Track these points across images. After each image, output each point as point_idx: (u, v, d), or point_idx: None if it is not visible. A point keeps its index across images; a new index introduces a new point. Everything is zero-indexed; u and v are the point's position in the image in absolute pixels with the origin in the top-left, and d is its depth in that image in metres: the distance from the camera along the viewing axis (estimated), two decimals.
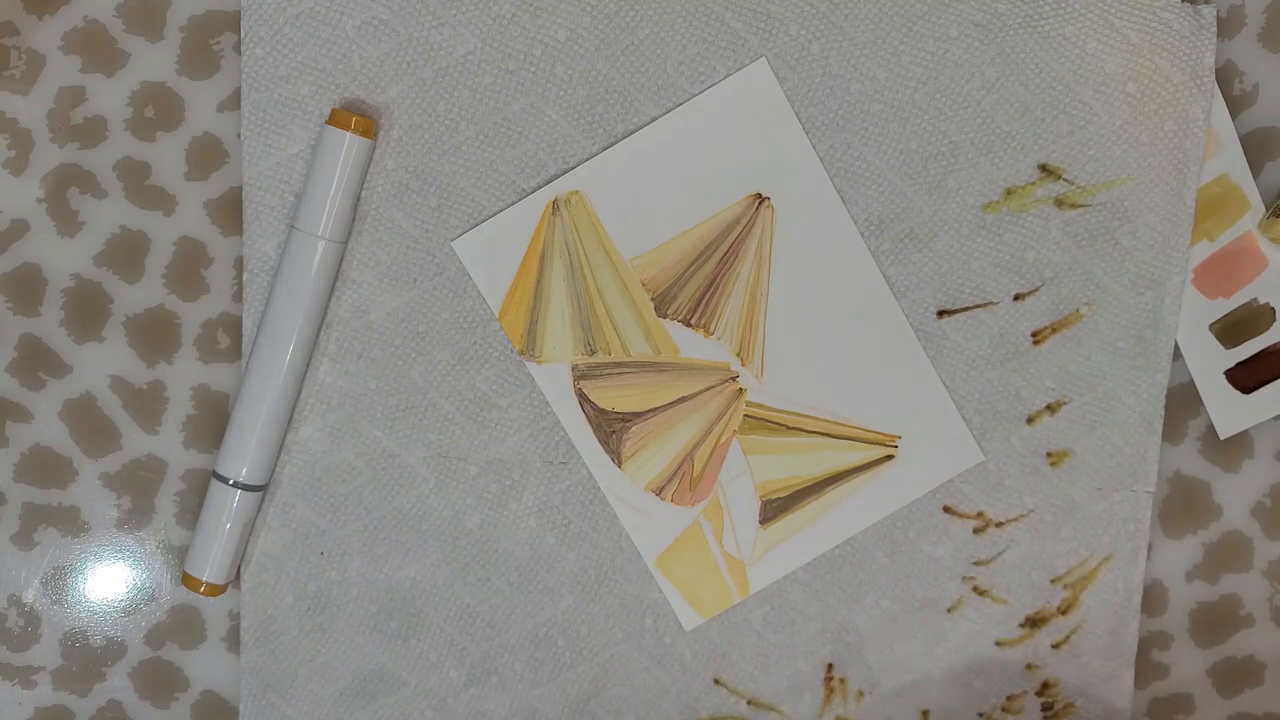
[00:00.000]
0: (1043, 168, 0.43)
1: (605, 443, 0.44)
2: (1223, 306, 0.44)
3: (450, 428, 0.44)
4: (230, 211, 0.44)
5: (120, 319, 0.44)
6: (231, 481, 0.42)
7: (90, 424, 0.44)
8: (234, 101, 0.43)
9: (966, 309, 0.43)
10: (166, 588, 0.45)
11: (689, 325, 0.43)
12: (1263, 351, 0.44)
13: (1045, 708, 0.45)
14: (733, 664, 0.45)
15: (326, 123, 0.41)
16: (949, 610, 0.45)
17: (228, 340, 0.44)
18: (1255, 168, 0.44)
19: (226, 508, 0.42)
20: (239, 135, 0.43)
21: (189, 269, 0.44)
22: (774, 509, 0.44)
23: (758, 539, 0.44)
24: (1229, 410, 0.44)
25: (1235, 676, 0.46)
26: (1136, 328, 0.43)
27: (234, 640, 0.45)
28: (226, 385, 0.44)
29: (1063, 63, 0.42)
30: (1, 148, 0.43)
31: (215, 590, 0.43)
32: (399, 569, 0.44)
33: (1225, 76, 0.43)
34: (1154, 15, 0.42)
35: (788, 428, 0.44)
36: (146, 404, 0.44)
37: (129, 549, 0.45)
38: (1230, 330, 0.44)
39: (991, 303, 0.43)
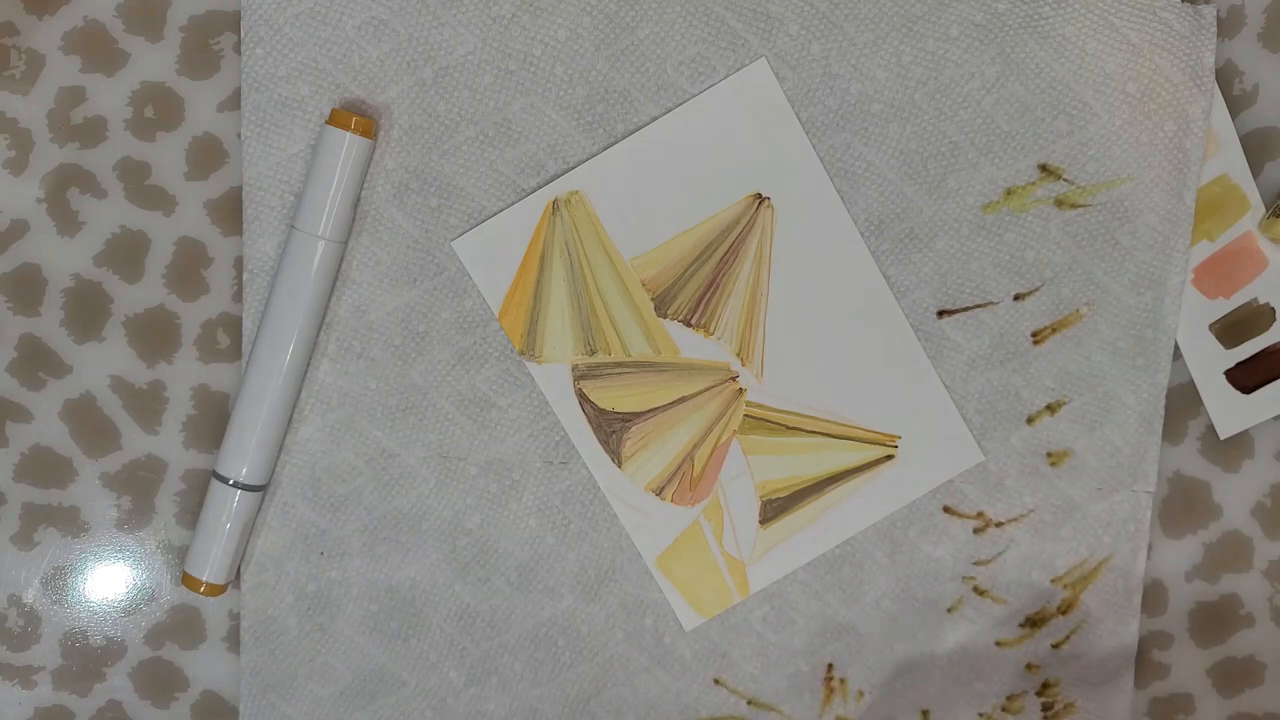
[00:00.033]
0: (1043, 168, 0.43)
1: (605, 443, 0.44)
2: (1223, 306, 0.44)
3: (450, 428, 0.44)
4: (230, 211, 0.44)
5: (120, 319, 0.44)
6: (231, 481, 0.42)
7: (90, 424, 0.44)
8: (234, 101, 0.43)
9: (966, 309, 0.43)
10: (166, 588, 0.45)
11: (689, 325, 0.43)
12: (1263, 351, 0.44)
13: (1045, 708, 0.45)
14: (733, 664, 0.45)
15: (326, 123, 0.41)
16: (949, 610, 0.45)
17: (228, 340, 0.44)
18: (1255, 168, 0.44)
19: (226, 508, 0.42)
20: (239, 135, 0.43)
21: (189, 269, 0.44)
22: (774, 509, 0.44)
23: (758, 539, 0.44)
24: (1229, 410, 0.44)
25: (1235, 676, 0.46)
26: (1136, 328, 0.43)
27: (234, 640, 0.45)
28: (226, 385, 0.44)
29: (1063, 63, 0.42)
30: (1, 148, 0.43)
31: (215, 590, 0.43)
32: (399, 569, 0.44)
33: (1225, 76, 0.43)
34: (1154, 15, 0.42)
35: (788, 428, 0.44)
36: (146, 404, 0.44)
37: (129, 549, 0.45)
38: (1230, 330, 0.44)
39: (991, 303, 0.43)
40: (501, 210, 0.43)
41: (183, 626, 0.45)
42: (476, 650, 0.45)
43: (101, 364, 0.44)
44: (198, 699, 0.45)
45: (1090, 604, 0.45)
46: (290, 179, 0.43)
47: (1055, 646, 0.45)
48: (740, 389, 0.44)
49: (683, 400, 0.44)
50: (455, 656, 0.45)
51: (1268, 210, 0.43)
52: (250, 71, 0.42)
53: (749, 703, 0.45)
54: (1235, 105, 0.43)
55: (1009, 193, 0.43)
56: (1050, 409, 0.44)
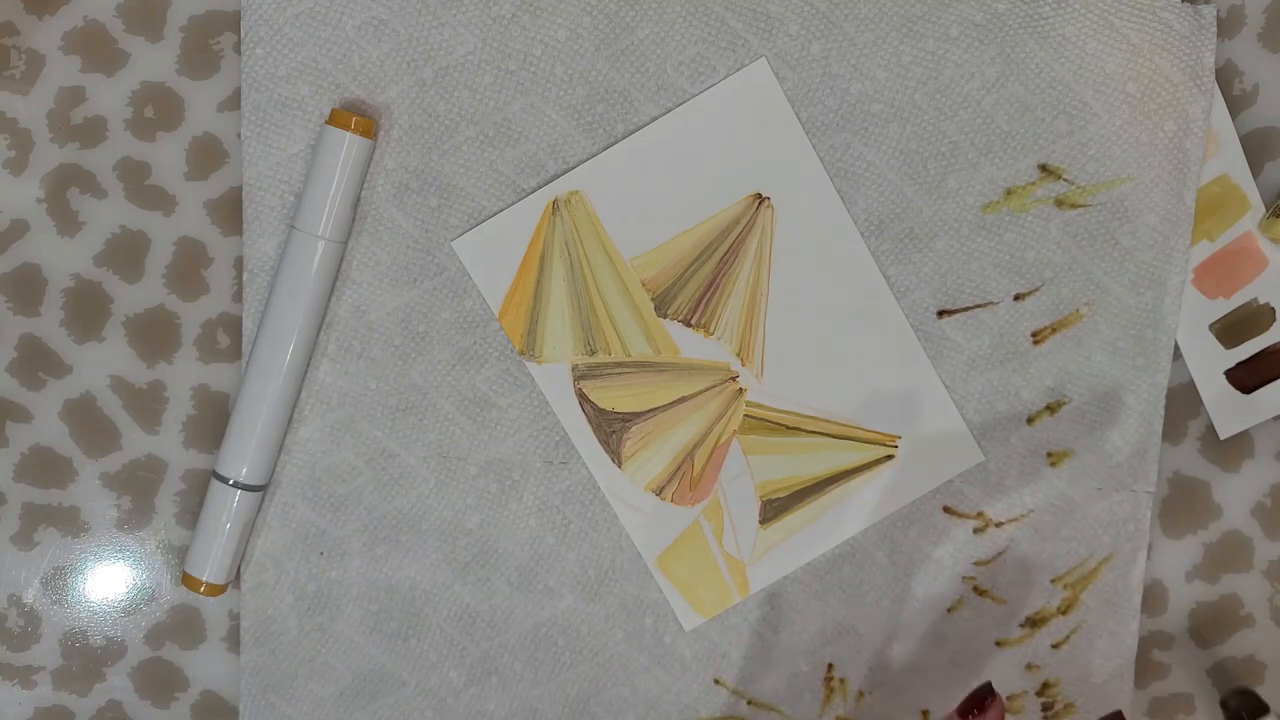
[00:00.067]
0: (1043, 168, 0.43)
1: (605, 443, 0.44)
2: (1223, 306, 0.44)
3: (450, 428, 0.44)
4: (230, 211, 0.44)
5: (120, 319, 0.44)
6: (231, 481, 0.42)
7: (90, 424, 0.44)
8: (234, 101, 0.43)
9: (966, 309, 0.43)
10: (166, 588, 0.45)
11: (689, 325, 0.43)
12: (1263, 351, 0.44)
13: (1045, 708, 0.45)
14: (733, 664, 0.45)
15: (326, 123, 0.41)
16: (949, 610, 0.45)
17: (228, 340, 0.44)
18: (1255, 168, 0.44)
19: (226, 508, 0.42)
20: (239, 135, 0.43)
21: (189, 269, 0.44)
22: (774, 509, 0.44)
23: (758, 539, 0.44)
24: (1229, 410, 0.44)
25: (1235, 676, 0.46)
26: (1136, 328, 0.43)
27: (234, 640, 0.45)
28: (226, 385, 0.44)
29: (1063, 63, 0.42)
30: (1, 148, 0.43)
31: (215, 590, 0.43)
32: (399, 569, 0.44)
33: (1225, 76, 0.43)
34: (1154, 15, 0.42)
35: (788, 428, 0.44)
36: (146, 404, 0.44)
37: (129, 549, 0.45)
38: (1230, 330, 0.44)
39: (991, 303, 0.43)
40: (501, 210, 0.43)
41: (183, 626, 0.45)
42: (476, 650, 0.45)
43: (101, 364, 0.44)
44: (198, 699, 0.45)
45: (1090, 604, 0.45)
46: (290, 179, 0.43)
47: (1055, 646, 0.45)
48: (740, 389, 0.44)
49: (683, 400, 0.44)
50: (455, 656, 0.45)
51: (1268, 210, 0.43)
52: (250, 71, 0.42)
53: (749, 703, 0.45)
54: (1235, 105, 0.43)
55: (1009, 193, 0.43)
56: (1050, 409, 0.44)
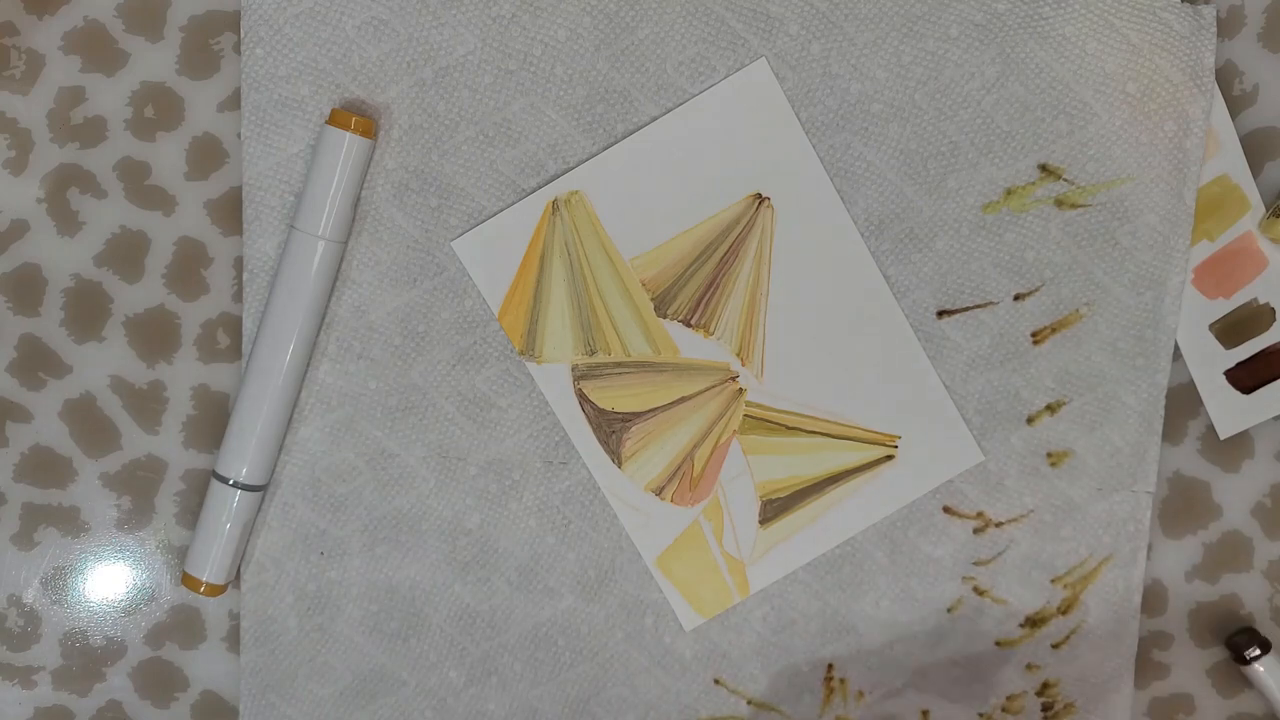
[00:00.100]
0: (1043, 168, 0.43)
1: (605, 443, 0.44)
2: (1223, 306, 0.44)
3: (450, 428, 0.44)
4: (230, 211, 0.44)
5: (120, 319, 0.44)
6: (231, 481, 0.42)
7: (90, 424, 0.44)
8: (234, 101, 0.43)
9: (966, 309, 0.43)
10: (166, 588, 0.45)
11: (689, 325, 0.43)
12: (1263, 351, 0.44)
13: (1045, 708, 0.45)
14: (733, 664, 0.45)
15: (326, 123, 0.41)
16: (949, 610, 0.45)
17: (228, 340, 0.44)
18: (1255, 168, 0.44)
19: (226, 508, 0.42)
20: (239, 135, 0.43)
21: (189, 269, 0.44)
22: (774, 509, 0.44)
23: (758, 539, 0.44)
24: (1229, 410, 0.44)
25: (1235, 676, 0.46)
26: (1136, 328, 0.43)
27: (234, 640, 0.45)
28: (226, 385, 0.44)
29: (1063, 63, 0.42)
30: (1, 148, 0.43)
31: (215, 590, 0.43)
32: (399, 569, 0.44)
33: (1225, 76, 0.43)
34: (1154, 15, 0.42)
35: (788, 428, 0.44)
36: (146, 404, 0.44)
37: (129, 549, 0.45)
38: (1230, 330, 0.44)
39: (991, 303, 0.43)
40: (501, 210, 0.43)
41: (183, 626, 0.45)
42: (476, 650, 0.45)
43: (101, 364, 0.44)
44: (198, 699, 0.45)
45: (1090, 604, 0.45)
46: (290, 179, 0.43)
47: (1055, 646, 0.45)
48: (740, 389, 0.44)
49: (683, 400, 0.44)
50: (455, 656, 0.45)
51: (1268, 210, 0.43)
52: (250, 71, 0.42)
53: (749, 703, 0.45)
54: (1235, 105, 0.43)
55: (1009, 193, 0.43)
56: (1050, 409, 0.44)
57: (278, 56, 0.42)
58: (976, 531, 0.44)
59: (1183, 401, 0.44)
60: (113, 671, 0.45)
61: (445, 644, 0.45)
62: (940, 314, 0.43)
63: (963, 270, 0.43)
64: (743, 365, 0.43)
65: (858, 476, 0.44)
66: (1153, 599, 0.45)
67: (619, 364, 0.43)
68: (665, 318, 0.43)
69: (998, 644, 0.45)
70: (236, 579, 0.45)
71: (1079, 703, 0.45)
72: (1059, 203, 0.43)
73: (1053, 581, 0.44)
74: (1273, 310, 0.44)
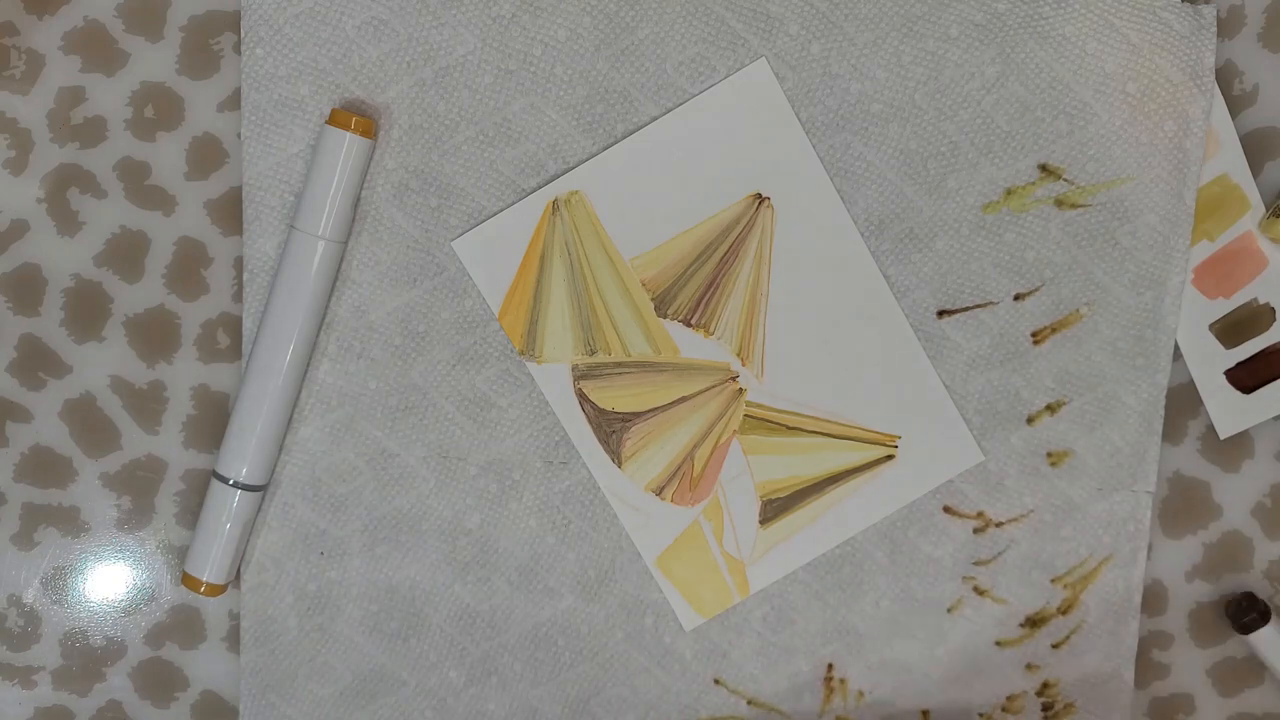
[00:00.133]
0: (1043, 168, 0.43)
1: (605, 443, 0.44)
2: (1223, 306, 0.44)
3: (450, 428, 0.44)
4: (230, 211, 0.44)
5: (120, 319, 0.44)
6: (231, 481, 0.42)
7: (90, 424, 0.44)
8: (234, 101, 0.43)
9: (966, 309, 0.43)
10: (166, 588, 0.45)
11: (689, 325, 0.43)
12: (1263, 351, 0.44)
13: (1045, 708, 0.45)
14: (733, 664, 0.45)
15: (326, 123, 0.41)
16: (949, 610, 0.45)
17: (228, 340, 0.44)
18: (1255, 168, 0.44)
19: (226, 508, 0.42)
20: (239, 135, 0.43)
21: (189, 269, 0.44)
22: (774, 509, 0.44)
23: (758, 539, 0.44)
24: (1229, 410, 0.44)
25: (1235, 676, 0.46)
26: (1136, 328, 0.43)
27: (234, 640, 0.45)
28: (226, 385, 0.44)
29: (1063, 63, 0.42)
30: (1, 148, 0.43)
31: (215, 590, 0.43)
32: (399, 569, 0.44)
33: (1225, 76, 0.43)
34: (1154, 15, 0.42)
35: (788, 428, 0.44)
36: (146, 404, 0.44)
37: (129, 549, 0.45)
38: (1230, 330, 0.44)
39: (991, 303, 0.43)
40: (501, 210, 0.43)
41: (183, 626, 0.45)
42: (476, 650, 0.45)
43: (101, 364, 0.44)
44: (198, 699, 0.45)
45: (1090, 604, 0.45)
46: (290, 179, 0.43)
47: (1055, 646, 0.45)
48: (740, 389, 0.44)
49: (683, 400, 0.44)
50: (455, 656, 0.45)
51: (1268, 210, 0.43)
52: (250, 71, 0.42)
53: (749, 703, 0.45)
54: (1235, 105, 0.43)
55: (1009, 193, 0.43)
56: (1050, 409, 0.44)
57: (278, 56, 0.42)
58: (976, 531, 0.44)
59: (1183, 401, 0.44)
60: (113, 671, 0.45)
61: (445, 644, 0.45)
62: (940, 314, 0.43)
63: (963, 270, 0.43)
64: (743, 365, 0.43)
65: (858, 476, 0.44)
66: (1153, 599, 0.45)
67: (619, 364, 0.43)
68: (665, 318, 0.43)
69: (998, 644, 0.45)
70: (236, 579, 0.45)
71: (1079, 703, 0.45)
72: (1059, 203, 0.43)
73: (1053, 581, 0.44)
74: (1273, 310, 0.44)
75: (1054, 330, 0.43)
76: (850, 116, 0.43)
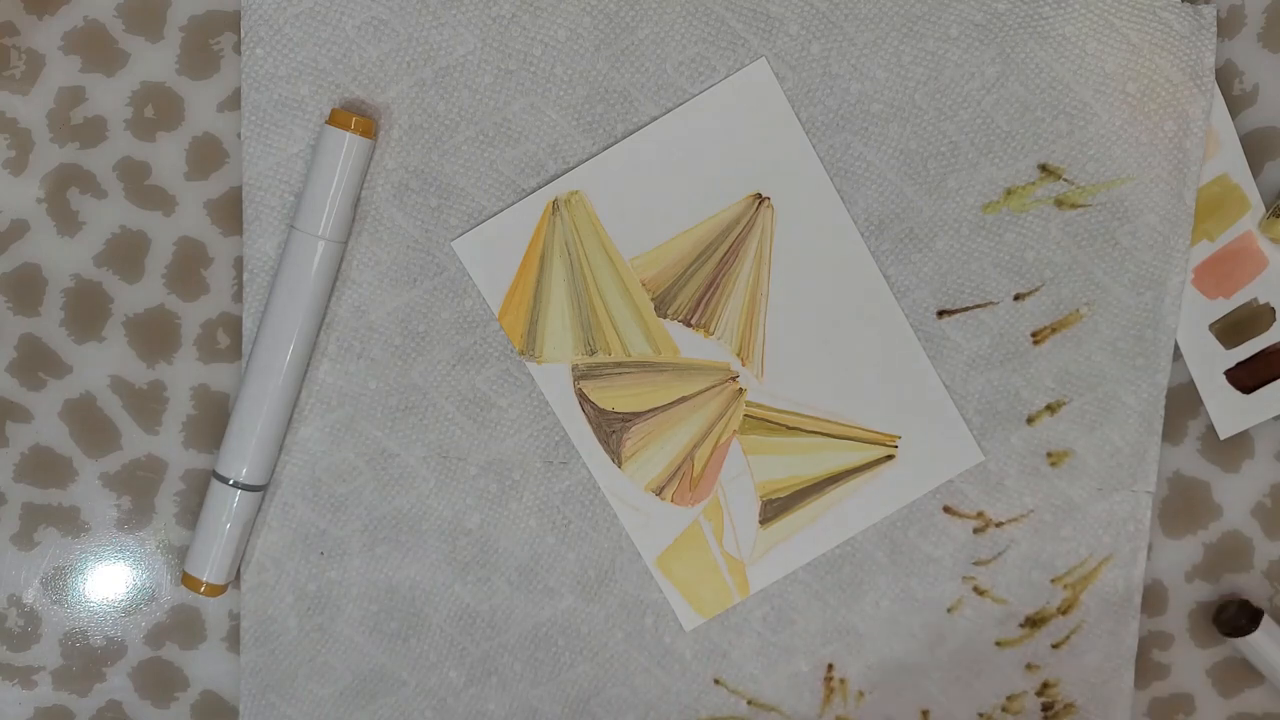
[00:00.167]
0: (1043, 168, 0.43)
1: (605, 443, 0.44)
2: (1223, 306, 0.44)
3: (450, 428, 0.44)
4: (230, 211, 0.44)
5: (120, 319, 0.44)
6: (231, 481, 0.42)
7: (90, 424, 0.44)
8: (234, 101, 0.43)
9: (966, 309, 0.43)
10: (166, 588, 0.45)
11: (689, 325, 0.43)
12: (1263, 351, 0.44)
13: (1045, 708, 0.45)
14: (733, 664, 0.45)
15: (326, 123, 0.41)
16: (949, 610, 0.45)
17: (228, 340, 0.44)
18: (1255, 168, 0.44)
19: (226, 508, 0.42)
20: (239, 135, 0.43)
21: (189, 269, 0.44)
22: (774, 509, 0.44)
23: (758, 539, 0.44)
24: (1229, 410, 0.44)
25: (1235, 676, 0.46)
26: (1136, 328, 0.43)
27: (234, 640, 0.45)
28: (226, 385, 0.44)
29: (1063, 63, 0.42)
30: (1, 148, 0.43)
31: (215, 590, 0.43)
32: (399, 569, 0.44)
33: (1225, 76, 0.43)
34: (1154, 15, 0.42)
35: (788, 428, 0.44)
36: (146, 404, 0.44)
37: (129, 549, 0.45)
38: (1230, 330, 0.44)
39: (991, 303, 0.43)
40: (501, 210, 0.43)
41: (183, 626, 0.45)
42: (476, 650, 0.45)
43: (101, 364, 0.44)
44: (198, 699, 0.45)
45: (1090, 604, 0.45)
46: (290, 179, 0.43)
47: (1055, 646, 0.45)
48: (740, 389, 0.44)
49: (683, 400, 0.44)
50: (455, 656, 0.45)
51: (1268, 210, 0.43)
52: (250, 71, 0.42)
53: (749, 703, 0.45)
54: (1235, 105, 0.43)
55: (1009, 193, 0.43)
56: (1050, 409, 0.44)
57: (278, 56, 0.42)
58: (976, 531, 0.44)
59: (1183, 401, 0.44)
60: (113, 671, 0.45)
61: (445, 644, 0.45)
62: (940, 314, 0.43)
63: (963, 270, 0.43)
64: (743, 365, 0.43)
65: (858, 476, 0.44)
66: (1153, 599, 0.45)
67: (619, 364, 0.43)
68: (665, 318, 0.43)
69: (998, 644, 0.45)
70: (236, 579, 0.45)
71: (1079, 703, 0.45)
72: (1059, 203, 0.43)
73: (1053, 581, 0.44)
74: (1273, 310, 0.44)
75: (1054, 330, 0.43)
76: (850, 116, 0.43)
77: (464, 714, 0.45)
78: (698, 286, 0.43)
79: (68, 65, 0.43)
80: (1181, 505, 0.45)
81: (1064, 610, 0.45)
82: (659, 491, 0.44)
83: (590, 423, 0.44)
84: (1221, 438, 0.44)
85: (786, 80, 0.42)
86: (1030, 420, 0.44)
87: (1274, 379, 0.44)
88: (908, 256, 0.43)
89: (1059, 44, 0.42)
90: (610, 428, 0.44)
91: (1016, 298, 0.43)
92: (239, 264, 0.44)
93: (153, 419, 0.44)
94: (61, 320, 0.44)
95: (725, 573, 0.44)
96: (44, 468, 0.44)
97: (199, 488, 0.45)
